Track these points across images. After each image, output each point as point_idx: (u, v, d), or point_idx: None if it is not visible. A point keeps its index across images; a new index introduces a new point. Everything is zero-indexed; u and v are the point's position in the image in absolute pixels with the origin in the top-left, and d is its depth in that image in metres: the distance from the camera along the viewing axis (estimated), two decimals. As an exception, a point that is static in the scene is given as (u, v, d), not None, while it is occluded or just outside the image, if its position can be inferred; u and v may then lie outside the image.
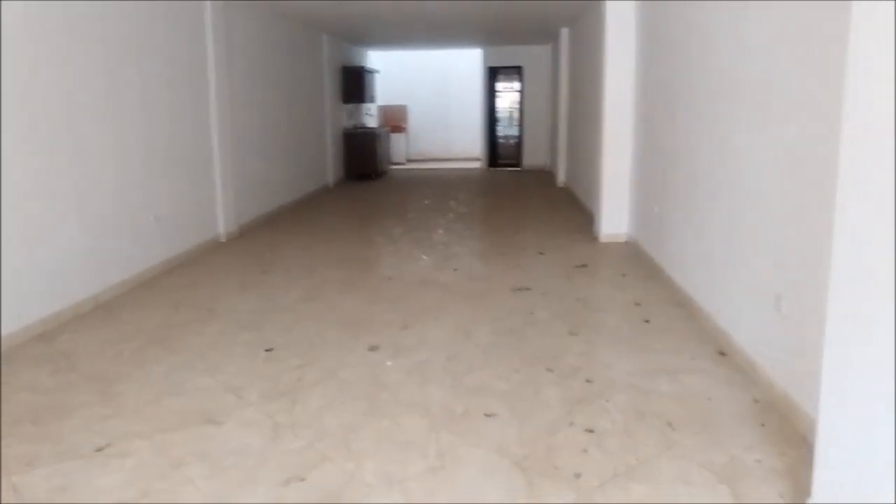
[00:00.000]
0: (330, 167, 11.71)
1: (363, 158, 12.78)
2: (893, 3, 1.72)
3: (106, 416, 3.16)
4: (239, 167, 7.57)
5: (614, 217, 6.87)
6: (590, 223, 7.55)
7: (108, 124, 5.12)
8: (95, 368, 3.75)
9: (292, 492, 2.53)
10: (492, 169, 14.57)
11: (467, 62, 15.17)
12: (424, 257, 6.41)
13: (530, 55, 14.10)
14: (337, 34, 11.62)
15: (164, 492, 2.54)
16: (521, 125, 14.70)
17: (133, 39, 5.46)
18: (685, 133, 4.88)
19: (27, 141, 4.23)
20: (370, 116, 14.68)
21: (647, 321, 4.40)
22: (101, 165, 5.03)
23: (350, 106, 13.06)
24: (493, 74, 14.63)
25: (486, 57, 14.33)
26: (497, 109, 14.96)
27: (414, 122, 16.43)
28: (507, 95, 15.01)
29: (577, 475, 2.59)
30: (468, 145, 15.99)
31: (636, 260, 6.10)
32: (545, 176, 12.98)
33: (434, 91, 16.25)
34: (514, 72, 14.55)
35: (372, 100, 14.11)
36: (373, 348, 4.01)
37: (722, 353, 3.79)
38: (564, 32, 10.91)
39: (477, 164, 14.99)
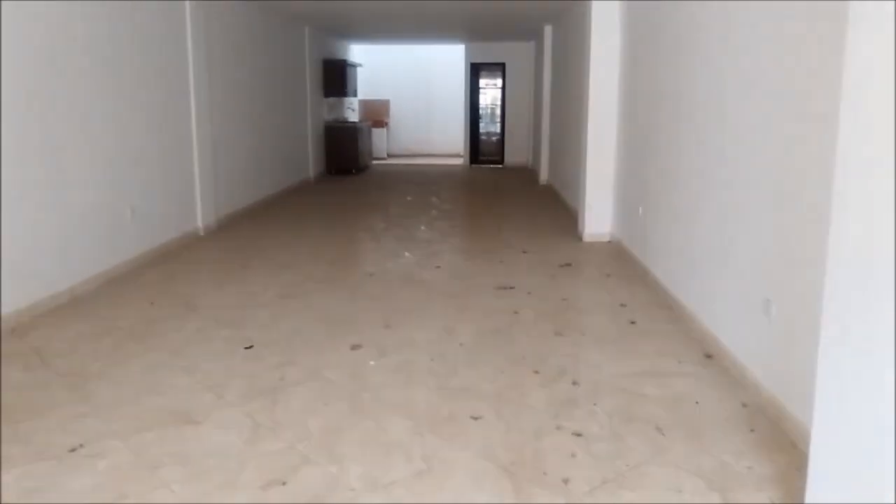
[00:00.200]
0: (311, 161, 11.57)
1: (344, 153, 12.65)
2: (893, 3, 1.68)
3: (80, 415, 3.05)
4: (218, 160, 7.43)
5: (598, 216, 6.85)
6: (573, 222, 7.52)
7: (84, 115, 4.98)
8: (69, 365, 3.63)
9: (274, 495, 2.45)
10: (474, 166, 14.50)
11: (450, 58, 15.07)
12: (407, 254, 6.34)
13: (513, 52, 14.03)
14: (320, 27, 11.48)
15: (140, 495, 2.45)
16: (503, 122, 14.63)
17: (110, 31, 5.32)
18: (670, 132, 4.85)
19: (-1, 129, 4.09)
20: (352, 111, 14.54)
21: (632, 322, 4.37)
22: (77, 157, 4.89)
23: (331, 100, 12.93)
24: (476, 71, 14.55)
25: (468, 53, 14.23)
26: (480, 106, 14.89)
27: (396, 116, 16.33)
28: (490, 92, 14.95)
29: (566, 480, 2.54)
30: (450, 141, 15.92)
31: (620, 260, 6.08)
32: (527, 174, 12.96)
33: (416, 86, 16.16)
34: (497, 68, 14.48)
35: (354, 94, 13.98)
36: (355, 347, 3.93)
37: (709, 356, 3.77)
38: (548, 30, 10.89)
39: (459, 161, 14.92)
